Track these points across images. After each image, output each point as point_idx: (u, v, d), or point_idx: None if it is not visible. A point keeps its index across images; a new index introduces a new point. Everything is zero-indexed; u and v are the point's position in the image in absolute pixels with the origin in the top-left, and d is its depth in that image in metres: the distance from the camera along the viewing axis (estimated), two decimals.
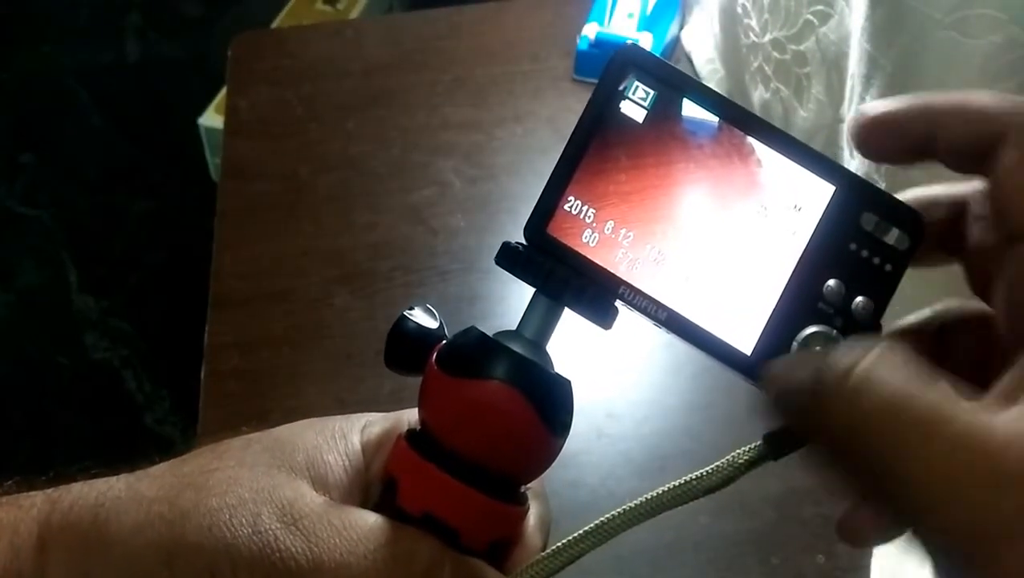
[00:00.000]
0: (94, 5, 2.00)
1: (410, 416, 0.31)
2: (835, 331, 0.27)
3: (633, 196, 0.28)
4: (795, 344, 0.27)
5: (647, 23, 0.88)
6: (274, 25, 1.48)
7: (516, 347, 0.28)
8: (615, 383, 0.67)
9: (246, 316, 0.72)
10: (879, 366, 0.22)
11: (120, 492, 0.27)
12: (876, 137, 0.26)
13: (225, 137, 0.87)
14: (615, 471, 0.63)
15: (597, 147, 0.28)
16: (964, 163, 0.25)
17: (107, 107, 1.85)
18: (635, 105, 0.28)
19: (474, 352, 0.28)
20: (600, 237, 0.28)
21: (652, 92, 0.28)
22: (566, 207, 0.28)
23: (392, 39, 0.94)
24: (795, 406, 0.24)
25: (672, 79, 0.28)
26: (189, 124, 1.44)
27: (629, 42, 0.29)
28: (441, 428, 0.28)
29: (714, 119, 0.28)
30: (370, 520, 0.27)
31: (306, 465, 0.28)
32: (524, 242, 0.28)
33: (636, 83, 0.28)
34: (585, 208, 0.28)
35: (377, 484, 0.29)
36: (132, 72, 1.92)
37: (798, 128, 0.72)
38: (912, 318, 0.29)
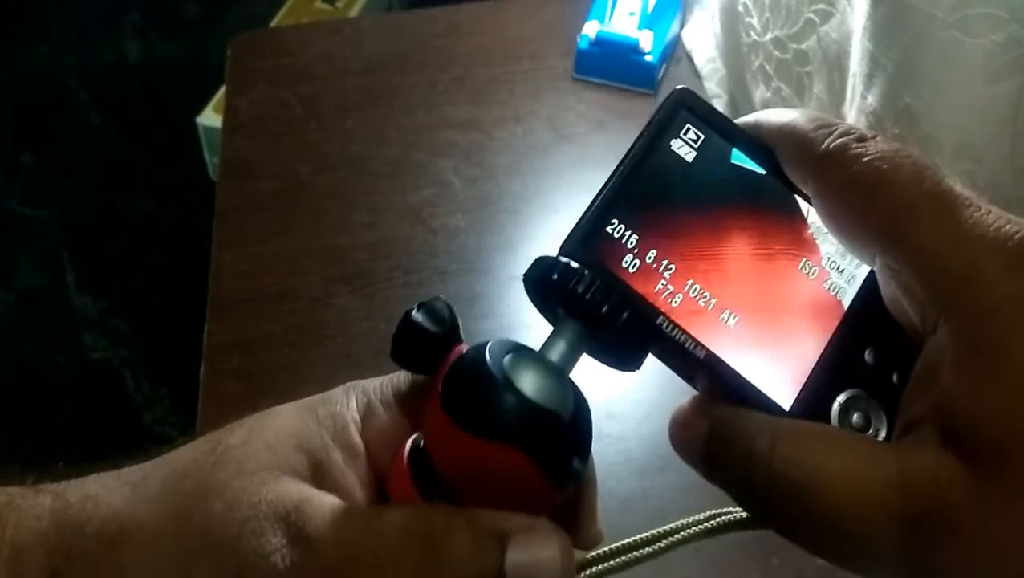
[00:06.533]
0: (94, 5, 2.00)
1: (405, 382, 0.30)
2: (875, 401, 0.26)
3: (678, 231, 0.27)
4: (835, 405, 0.26)
5: (648, 21, 0.88)
6: (273, 24, 1.48)
7: (536, 385, 0.26)
8: (615, 383, 0.67)
9: (245, 316, 0.72)
10: (788, 447, 0.23)
11: (124, 518, 0.26)
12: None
13: (224, 136, 0.87)
14: (615, 471, 0.63)
15: (645, 178, 0.27)
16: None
17: (107, 107, 1.85)
18: (686, 145, 0.28)
19: (485, 404, 0.26)
20: (641, 265, 0.27)
21: (703, 136, 0.28)
22: (609, 229, 0.27)
23: (392, 38, 0.94)
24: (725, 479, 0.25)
25: (724, 128, 0.28)
26: (188, 124, 1.44)
27: (684, 87, 0.29)
28: (445, 468, 0.27)
29: (761, 169, 0.28)
30: (380, 516, 0.26)
31: (309, 465, 0.27)
32: (560, 258, 0.27)
33: (688, 125, 0.28)
34: (628, 233, 0.27)
35: (381, 477, 0.29)
36: (132, 72, 1.92)
37: None
38: None
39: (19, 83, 1.91)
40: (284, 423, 0.28)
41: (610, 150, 0.80)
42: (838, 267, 0.27)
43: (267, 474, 0.26)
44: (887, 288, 0.25)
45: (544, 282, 0.27)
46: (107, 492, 0.27)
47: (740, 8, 0.78)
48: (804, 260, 0.27)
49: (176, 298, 1.45)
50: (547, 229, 0.76)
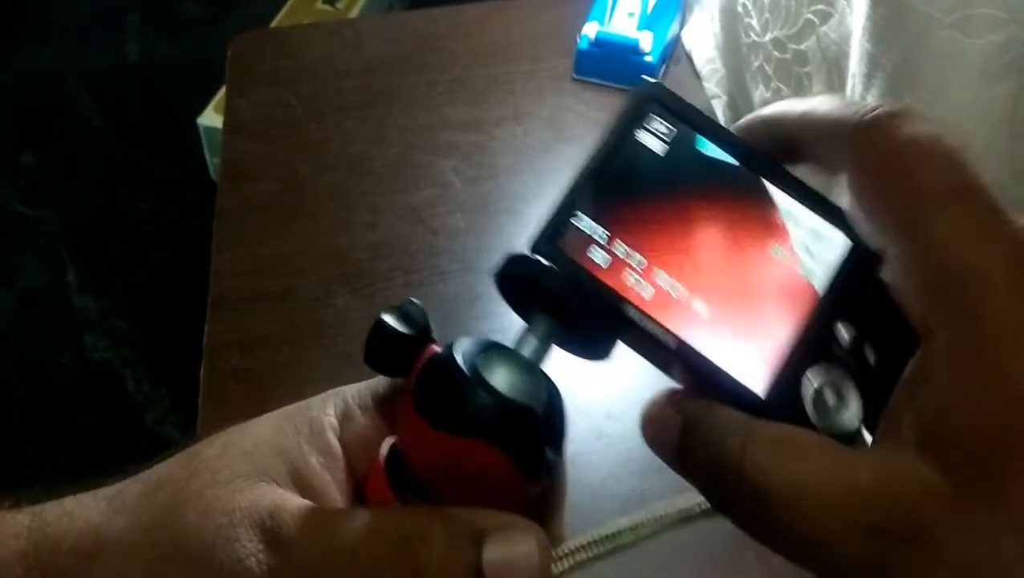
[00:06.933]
0: (94, 5, 2.00)
1: (383, 386, 0.30)
2: (850, 377, 0.26)
3: (647, 224, 0.27)
4: (809, 388, 0.26)
5: (647, 22, 0.88)
6: (273, 24, 1.48)
7: (507, 380, 0.26)
8: (615, 383, 0.67)
9: (246, 316, 0.72)
10: (759, 451, 0.23)
11: (100, 530, 0.26)
12: (755, 135, 0.27)
13: (225, 137, 0.87)
14: (615, 471, 0.63)
15: (613, 171, 0.28)
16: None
17: (107, 107, 1.85)
18: (653, 137, 0.28)
19: (455, 402, 0.26)
20: (612, 259, 0.27)
21: (673, 128, 0.28)
22: (578, 224, 0.27)
23: (392, 39, 0.94)
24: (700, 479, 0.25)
25: (693, 119, 0.28)
26: (189, 124, 1.44)
27: (653, 80, 0.29)
28: (419, 468, 0.27)
29: (730, 158, 0.28)
30: (356, 518, 0.26)
31: (287, 471, 0.27)
32: (530, 254, 0.27)
33: (657, 118, 0.28)
34: (597, 227, 0.27)
35: (361, 481, 0.29)
36: (132, 72, 1.92)
37: None
38: None
39: (19, 83, 1.91)
40: (261, 431, 0.28)
41: None
42: (811, 252, 0.27)
43: (243, 481, 0.26)
44: (896, 277, 0.24)
45: (514, 279, 0.27)
46: (83, 508, 0.27)
47: (739, 9, 0.78)
48: (775, 245, 0.27)
49: (177, 298, 1.45)
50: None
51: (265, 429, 0.28)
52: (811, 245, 0.27)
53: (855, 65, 0.59)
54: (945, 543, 0.21)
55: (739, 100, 0.84)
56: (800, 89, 0.71)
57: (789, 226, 0.27)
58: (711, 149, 0.28)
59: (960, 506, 0.21)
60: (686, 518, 0.29)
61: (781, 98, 0.74)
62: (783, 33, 0.71)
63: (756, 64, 0.77)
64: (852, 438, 0.26)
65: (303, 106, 0.88)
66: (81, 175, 1.76)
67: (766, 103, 0.77)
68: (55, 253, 1.66)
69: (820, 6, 0.65)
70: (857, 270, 0.27)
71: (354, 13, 1.54)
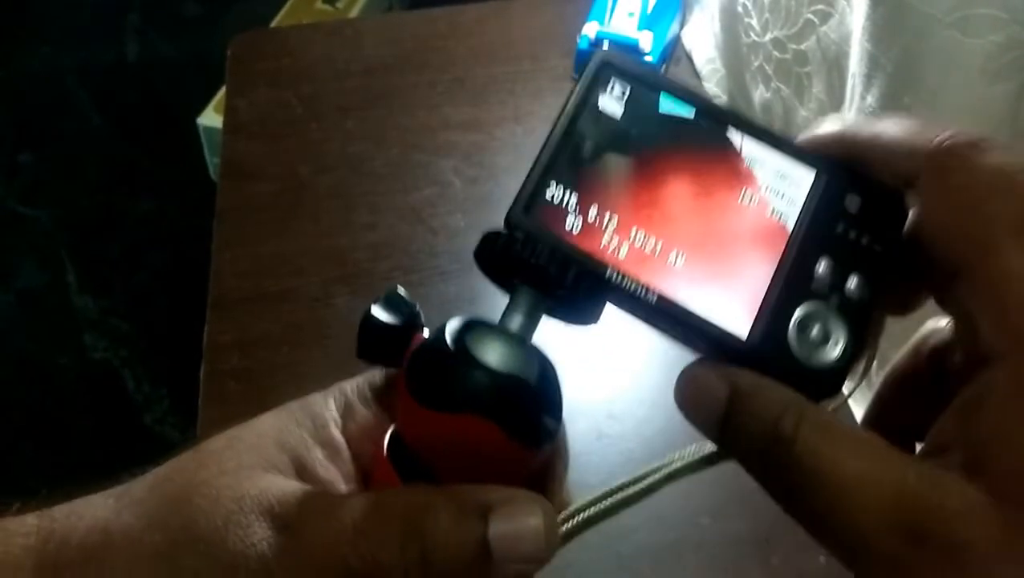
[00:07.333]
0: (94, 5, 2.00)
1: (381, 377, 0.30)
2: (832, 310, 0.26)
3: (616, 185, 0.28)
4: (792, 324, 0.26)
5: (647, 22, 0.88)
6: (273, 24, 1.48)
7: (495, 353, 0.27)
8: (615, 383, 0.67)
9: (246, 316, 0.72)
10: (811, 433, 0.24)
11: (109, 523, 0.26)
12: (825, 148, 0.28)
13: (225, 137, 0.87)
14: (616, 472, 0.63)
15: (578, 138, 0.28)
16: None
17: (107, 107, 1.85)
18: (613, 100, 0.28)
19: (445, 380, 0.27)
20: (584, 223, 0.27)
21: (630, 91, 0.29)
22: (549, 194, 0.28)
23: (392, 39, 0.94)
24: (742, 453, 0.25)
25: (649, 80, 0.29)
26: (189, 124, 1.44)
27: (601, 50, 0.30)
28: (420, 450, 0.27)
29: (689, 112, 0.28)
30: (361, 501, 0.26)
31: (293, 466, 0.27)
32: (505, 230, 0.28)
33: (614, 82, 0.29)
34: (568, 194, 0.28)
35: (366, 472, 0.29)
36: (132, 72, 1.92)
37: (799, 128, 0.72)
38: (902, 354, 0.29)
39: (19, 83, 1.91)
40: (265, 428, 0.28)
41: None
42: (778, 192, 0.28)
43: (250, 471, 0.26)
44: (965, 298, 0.24)
45: (492, 256, 0.28)
46: (91, 506, 0.27)
47: (739, 9, 0.78)
48: (743, 191, 0.28)
49: (176, 298, 1.45)
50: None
51: (269, 425, 0.29)
52: (778, 186, 0.28)
53: (855, 65, 0.59)
54: (983, 563, 0.21)
55: (739, 100, 0.84)
56: (800, 89, 0.71)
57: (754, 170, 0.28)
58: (669, 106, 0.28)
59: (1004, 531, 0.21)
60: (689, 468, 0.29)
61: (781, 98, 0.74)
62: (783, 33, 0.71)
63: (756, 64, 0.77)
64: (839, 373, 0.26)
65: (303, 106, 0.88)
66: (81, 175, 1.76)
67: (766, 103, 0.77)
68: (55, 253, 1.66)
69: (820, 6, 0.65)
70: (825, 199, 0.27)
71: (354, 13, 1.54)
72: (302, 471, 0.27)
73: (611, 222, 0.27)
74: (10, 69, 1.92)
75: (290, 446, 0.28)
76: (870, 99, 0.58)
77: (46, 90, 1.89)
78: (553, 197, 0.28)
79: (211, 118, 1.41)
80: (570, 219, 0.28)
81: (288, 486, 0.26)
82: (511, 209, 0.28)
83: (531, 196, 0.28)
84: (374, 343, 0.30)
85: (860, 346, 0.26)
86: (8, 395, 1.50)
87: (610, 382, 0.67)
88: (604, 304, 0.28)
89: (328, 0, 1.55)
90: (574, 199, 0.28)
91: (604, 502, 0.29)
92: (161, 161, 1.74)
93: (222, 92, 1.26)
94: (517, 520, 0.25)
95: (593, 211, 0.28)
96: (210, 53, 1.16)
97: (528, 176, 0.28)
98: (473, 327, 0.28)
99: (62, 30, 1.97)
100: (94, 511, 0.27)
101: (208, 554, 0.25)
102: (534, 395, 0.27)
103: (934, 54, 0.52)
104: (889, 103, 0.57)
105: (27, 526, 0.27)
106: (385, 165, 0.83)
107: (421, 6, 1.06)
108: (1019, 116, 0.52)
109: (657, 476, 0.29)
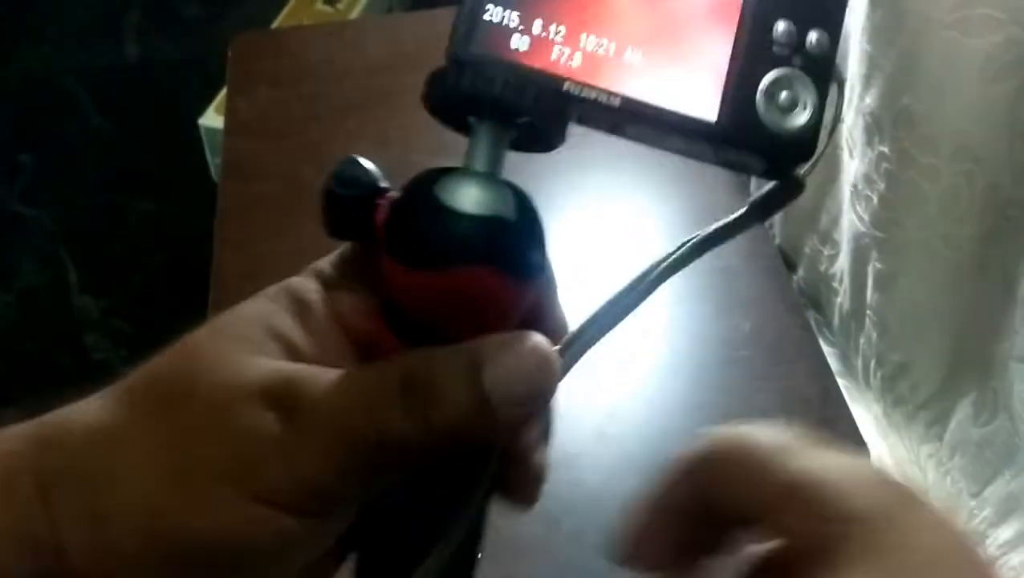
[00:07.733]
0: (94, 5, 2.00)
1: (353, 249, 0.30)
2: (797, 70, 0.26)
3: None
4: (760, 95, 0.26)
5: None
6: (274, 25, 1.48)
7: (472, 199, 0.26)
8: (616, 384, 0.67)
9: None
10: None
11: (108, 422, 0.26)
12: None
13: (225, 137, 0.87)
14: (617, 471, 0.63)
15: None
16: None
17: (107, 107, 1.85)
18: None
19: (430, 238, 0.25)
20: (531, 39, 0.26)
21: None
22: (487, 17, 0.26)
23: (392, 39, 0.94)
24: None
25: None
26: (189, 124, 1.44)
27: None
28: (413, 312, 0.26)
29: None
30: (361, 371, 0.25)
31: (284, 347, 0.27)
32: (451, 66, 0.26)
33: None
34: (508, 13, 0.26)
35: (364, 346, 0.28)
36: (132, 72, 1.92)
37: None
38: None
39: (19, 83, 1.91)
40: (251, 316, 0.28)
41: (610, 150, 0.80)
42: None
43: (245, 357, 0.26)
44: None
45: (443, 96, 0.27)
46: (82, 412, 0.27)
47: None
48: None
49: (177, 299, 1.45)
50: (547, 229, 0.76)
51: (254, 312, 0.28)
52: None
53: (854, 66, 0.59)
54: None
55: None
56: None
57: None
58: None
59: None
60: (678, 264, 0.28)
61: None
62: None
63: None
64: (813, 134, 0.25)
65: (303, 106, 0.88)
66: (80, 175, 1.76)
67: None
68: (54, 253, 1.66)
69: None
70: None
71: (354, 14, 1.54)
72: (295, 353, 0.27)
73: (559, 33, 0.26)
74: (10, 69, 1.92)
75: (279, 331, 0.27)
76: (869, 100, 0.58)
77: (46, 90, 1.89)
78: (492, 18, 0.26)
79: (212, 119, 1.41)
80: (515, 38, 0.26)
81: (287, 368, 0.26)
82: (451, 42, 0.26)
83: (471, 24, 0.26)
84: (342, 219, 0.28)
85: (824, 99, 0.26)
86: (8, 395, 1.50)
87: (610, 383, 0.67)
88: (567, 122, 0.27)
89: (328, 1, 1.55)
90: (516, 17, 0.26)
91: (602, 320, 0.28)
92: (162, 161, 1.74)
93: (223, 93, 1.26)
94: (509, 361, 0.25)
95: (538, 25, 0.26)
96: (211, 54, 1.16)
97: (463, 3, 0.27)
98: (443, 177, 0.27)
99: (62, 30, 1.97)
100: (86, 409, 0.27)
101: (217, 436, 0.24)
102: (519, 230, 0.26)
103: (933, 55, 0.52)
104: (888, 104, 0.57)
105: (20, 430, 0.27)
106: (385, 165, 0.83)
107: (421, 6, 1.06)
108: (1018, 116, 0.52)
109: (652, 275, 0.28)
